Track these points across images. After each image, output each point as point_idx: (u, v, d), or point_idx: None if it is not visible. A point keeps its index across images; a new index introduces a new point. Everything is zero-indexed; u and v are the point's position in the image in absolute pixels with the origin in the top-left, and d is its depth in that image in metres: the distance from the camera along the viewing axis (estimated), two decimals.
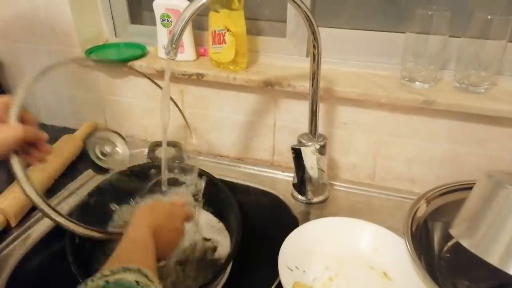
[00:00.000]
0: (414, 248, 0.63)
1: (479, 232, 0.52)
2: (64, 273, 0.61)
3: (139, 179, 0.83)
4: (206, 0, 0.59)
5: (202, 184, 0.80)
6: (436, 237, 0.67)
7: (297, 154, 0.78)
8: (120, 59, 0.96)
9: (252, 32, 0.93)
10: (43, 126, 1.15)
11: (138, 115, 1.04)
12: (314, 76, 0.74)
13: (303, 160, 0.78)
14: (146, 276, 0.44)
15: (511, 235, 0.49)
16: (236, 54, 0.86)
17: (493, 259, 0.49)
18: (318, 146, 0.79)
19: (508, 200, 0.50)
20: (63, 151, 0.94)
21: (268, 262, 0.66)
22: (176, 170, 0.84)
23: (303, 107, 0.81)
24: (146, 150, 0.93)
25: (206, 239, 0.78)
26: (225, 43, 0.86)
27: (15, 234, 0.75)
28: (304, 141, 0.79)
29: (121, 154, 0.90)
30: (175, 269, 0.72)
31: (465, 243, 0.53)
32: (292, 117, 0.89)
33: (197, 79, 0.91)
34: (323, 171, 0.82)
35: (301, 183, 0.82)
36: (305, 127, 0.79)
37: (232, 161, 0.99)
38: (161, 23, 0.92)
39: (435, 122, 0.79)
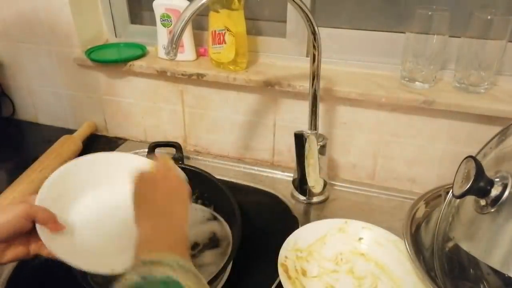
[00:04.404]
0: (414, 248, 0.63)
1: (479, 235, 0.52)
2: (64, 273, 0.61)
3: None
4: (206, 0, 0.59)
5: None
6: (436, 237, 0.67)
7: (299, 141, 0.78)
8: (120, 59, 0.96)
9: (252, 32, 0.93)
10: (42, 126, 1.15)
11: (137, 115, 1.04)
12: (314, 76, 0.74)
13: (304, 148, 0.78)
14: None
15: (511, 236, 0.49)
16: (236, 54, 0.86)
17: (494, 261, 0.49)
18: (318, 146, 0.79)
19: (508, 201, 0.50)
20: (63, 151, 0.94)
21: (268, 262, 0.66)
22: None
23: (303, 107, 0.81)
24: (145, 151, 0.93)
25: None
26: (225, 43, 0.86)
27: None
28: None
29: None
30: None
31: (465, 246, 0.53)
32: (292, 117, 0.89)
33: (197, 79, 0.91)
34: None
35: (302, 176, 0.82)
36: (305, 127, 0.79)
37: (232, 161, 0.99)
38: (161, 23, 0.92)
39: (435, 122, 0.79)
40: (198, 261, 0.74)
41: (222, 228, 0.80)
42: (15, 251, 0.52)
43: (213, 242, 0.78)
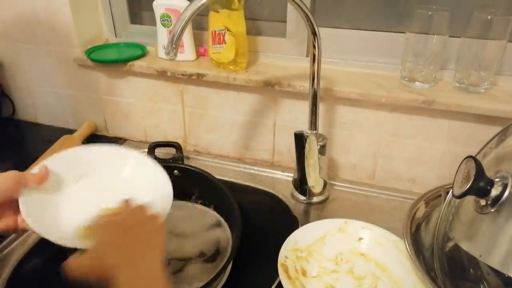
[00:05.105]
0: (414, 248, 0.63)
1: (479, 235, 0.52)
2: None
3: None
4: (206, 0, 0.59)
5: None
6: (436, 237, 0.67)
7: (299, 141, 0.78)
8: (120, 59, 0.96)
9: (252, 32, 0.93)
10: (42, 126, 1.15)
11: (137, 115, 1.04)
12: (314, 76, 0.74)
13: (304, 148, 0.78)
14: None
15: (511, 236, 0.49)
16: (236, 54, 0.86)
17: (494, 261, 0.49)
18: (318, 146, 0.79)
19: (508, 201, 0.50)
20: None
21: (268, 262, 0.66)
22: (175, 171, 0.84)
23: (303, 107, 0.81)
24: (145, 151, 0.93)
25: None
26: (225, 43, 0.86)
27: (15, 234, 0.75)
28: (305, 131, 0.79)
29: None
30: (174, 268, 0.72)
31: (464, 246, 0.53)
32: (292, 117, 0.89)
33: (197, 79, 0.91)
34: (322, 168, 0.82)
35: (302, 176, 0.82)
36: (305, 127, 0.79)
37: (232, 161, 0.99)
38: (161, 23, 0.92)
39: (435, 122, 0.79)
40: (198, 261, 0.74)
41: (225, 234, 0.80)
42: (5, 223, 0.54)
43: (217, 252, 0.76)
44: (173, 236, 0.78)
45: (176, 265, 0.73)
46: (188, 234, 0.79)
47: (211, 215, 0.84)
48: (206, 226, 0.81)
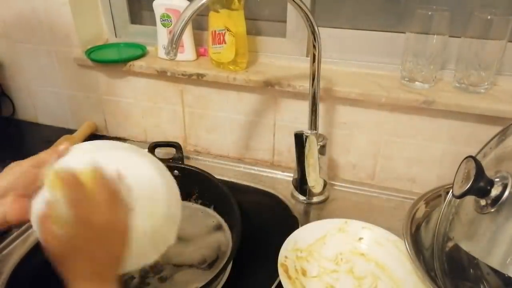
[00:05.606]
0: (414, 248, 0.63)
1: (479, 235, 0.52)
2: None
3: None
4: (206, 0, 0.59)
5: None
6: (436, 237, 0.68)
7: (299, 141, 0.78)
8: (120, 59, 0.96)
9: (252, 32, 0.93)
10: (42, 126, 1.15)
11: (137, 115, 1.04)
12: (314, 76, 0.74)
13: (304, 148, 0.78)
14: None
15: (511, 236, 0.49)
16: (236, 54, 0.86)
17: (494, 261, 0.49)
18: (319, 146, 0.79)
19: (508, 201, 0.50)
20: None
21: (268, 262, 0.66)
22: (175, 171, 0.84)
23: (303, 107, 0.81)
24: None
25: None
26: (225, 43, 0.86)
27: (15, 234, 0.75)
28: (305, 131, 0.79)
29: None
30: (174, 269, 0.72)
31: (464, 246, 0.53)
32: (292, 117, 0.89)
33: (197, 79, 0.91)
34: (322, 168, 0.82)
35: (302, 176, 0.82)
36: (305, 127, 0.79)
37: (232, 161, 0.99)
38: (161, 23, 0.92)
39: (435, 122, 0.79)
40: (198, 261, 0.74)
41: (226, 236, 0.79)
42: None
43: (218, 257, 0.75)
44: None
45: (175, 270, 0.73)
46: (189, 239, 0.78)
47: (212, 216, 0.84)
48: (207, 229, 0.81)
